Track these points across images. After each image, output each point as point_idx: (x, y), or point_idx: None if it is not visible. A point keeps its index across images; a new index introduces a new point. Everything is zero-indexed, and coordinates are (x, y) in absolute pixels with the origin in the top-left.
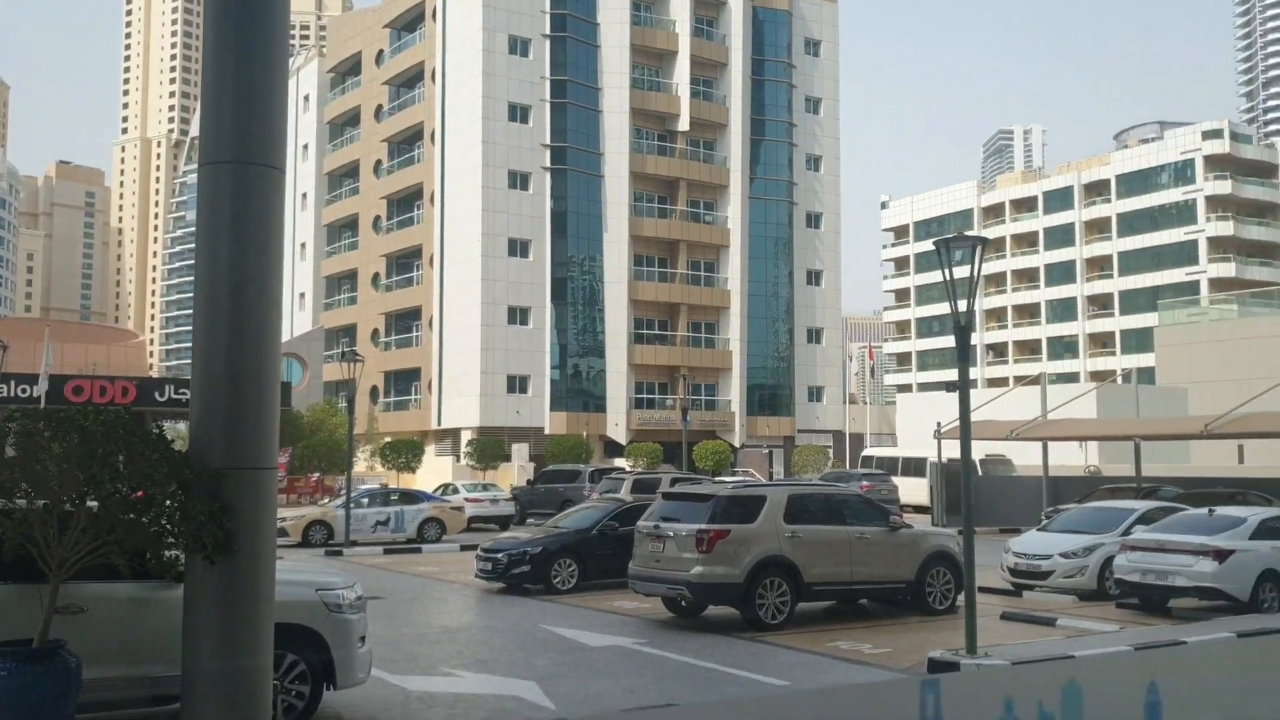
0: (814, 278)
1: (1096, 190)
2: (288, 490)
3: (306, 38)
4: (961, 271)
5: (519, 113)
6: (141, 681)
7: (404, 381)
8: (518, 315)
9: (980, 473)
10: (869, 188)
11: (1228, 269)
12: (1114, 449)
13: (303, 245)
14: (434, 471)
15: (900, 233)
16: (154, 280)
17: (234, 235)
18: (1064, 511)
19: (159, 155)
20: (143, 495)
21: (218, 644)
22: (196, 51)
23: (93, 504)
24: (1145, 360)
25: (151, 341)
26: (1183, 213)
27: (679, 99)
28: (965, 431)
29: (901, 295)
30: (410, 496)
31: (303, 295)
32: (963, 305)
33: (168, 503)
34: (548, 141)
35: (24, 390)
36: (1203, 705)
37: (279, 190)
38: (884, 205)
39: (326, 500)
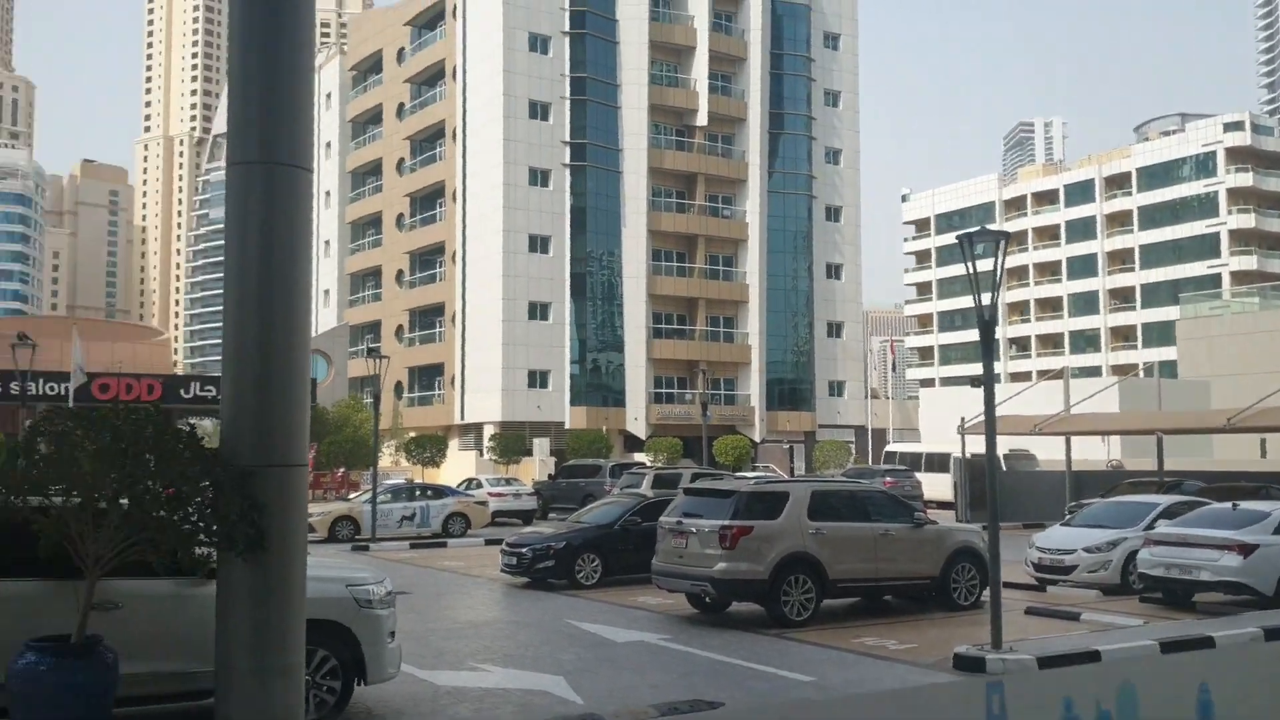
0: (834, 271)
1: (1118, 183)
2: (313, 486)
3: (327, 36)
4: (985, 265)
5: (539, 110)
6: (175, 677)
7: (427, 377)
8: (538, 310)
9: (1004, 468)
10: (889, 180)
11: (1249, 262)
12: (1136, 443)
13: (326, 242)
14: (457, 466)
15: (921, 226)
16: (177, 278)
17: (263, 235)
18: (1087, 506)
19: (181, 153)
20: (173, 493)
21: (250, 640)
22: (217, 49)
23: (124, 501)
24: (1167, 354)
25: (175, 339)
26: (1204, 205)
27: (697, 94)
28: (990, 426)
29: (923, 289)
30: (435, 491)
31: (327, 292)
32: (986, 299)
33: (198, 500)
34: (567, 138)
35: (52, 388)
36: (1251, 705)
37: (307, 190)
38: (905, 198)
39: (352, 495)
